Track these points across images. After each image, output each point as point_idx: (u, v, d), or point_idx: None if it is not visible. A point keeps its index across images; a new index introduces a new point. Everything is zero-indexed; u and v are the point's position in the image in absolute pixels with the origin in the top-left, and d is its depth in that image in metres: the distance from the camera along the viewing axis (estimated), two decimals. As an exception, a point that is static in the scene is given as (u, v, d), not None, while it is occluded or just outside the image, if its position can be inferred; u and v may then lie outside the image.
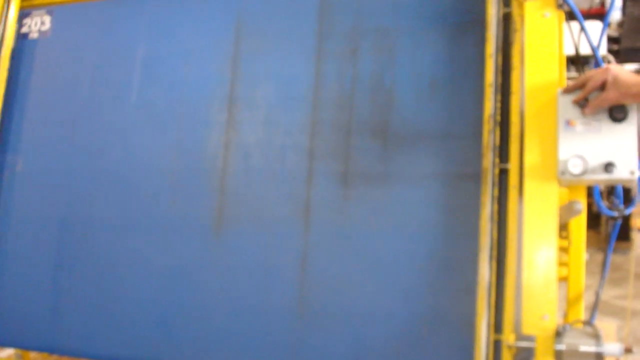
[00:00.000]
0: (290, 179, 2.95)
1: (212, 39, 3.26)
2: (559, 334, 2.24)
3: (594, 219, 2.93)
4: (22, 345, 3.63)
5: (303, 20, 3.09)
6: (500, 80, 2.62)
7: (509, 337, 2.33)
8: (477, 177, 2.59)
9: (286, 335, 2.83)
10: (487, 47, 2.63)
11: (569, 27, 2.65)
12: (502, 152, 2.55)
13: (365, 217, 2.80)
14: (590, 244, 3.20)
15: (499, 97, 2.60)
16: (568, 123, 2.38)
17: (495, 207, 2.50)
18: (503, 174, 2.54)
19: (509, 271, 2.44)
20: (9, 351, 4.42)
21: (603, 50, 3.00)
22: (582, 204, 2.55)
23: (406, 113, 2.81)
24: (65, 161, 3.43)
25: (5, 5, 3.58)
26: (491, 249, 2.46)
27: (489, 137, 2.54)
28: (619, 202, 2.73)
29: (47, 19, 3.68)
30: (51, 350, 3.41)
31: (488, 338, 2.41)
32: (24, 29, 3.70)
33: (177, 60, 3.31)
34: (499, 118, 2.57)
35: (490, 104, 2.57)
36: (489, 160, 2.53)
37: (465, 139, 2.68)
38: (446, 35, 2.82)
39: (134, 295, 3.15)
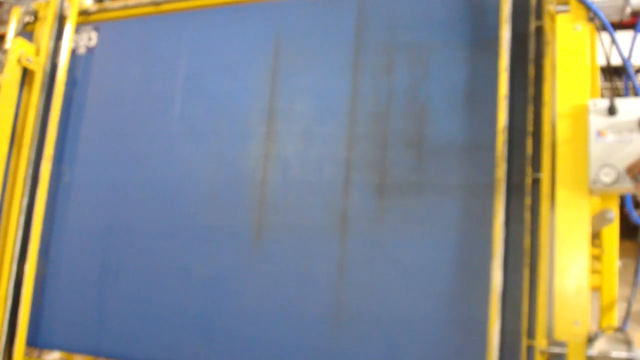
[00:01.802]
0: (328, 189, 3.02)
1: (252, 53, 3.34)
2: (590, 340, 2.26)
3: (631, 229, 2.92)
4: (67, 348, 3.72)
5: (340, 35, 3.17)
6: (532, 91, 2.66)
7: (541, 343, 2.36)
8: (509, 187, 2.62)
9: (323, 342, 2.89)
10: (500, 61, 2.68)
11: (601, 38, 2.67)
12: (535, 162, 2.59)
13: (400, 226, 2.85)
14: (627, 254, 3.21)
15: (531, 108, 2.64)
16: (599, 133, 2.41)
17: (528, 215, 2.54)
18: (535, 183, 2.58)
19: (541, 278, 2.47)
20: (55, 355, 4.54)
21: (635, 61, 3.00)
22: (614, 213, 2.56)
23: (440, 125, 2.87)
24: (111, 172, 3.55)
25: (56, 23, 3.70)
26: (523, 256, 2.51)
27: (503, 148, 2.60)
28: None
29: (94, 35, 3.82)
30: (96, 354, 3.50)
31: (519, 344, 2.45)
32: (72, 45, 3.81)
33: (218, 74, 3.40)
34: (531, 129, 2.61)
35: (503, 116, 2.62)
36: (502, 170, 2.58)
37: (494, 150, 2.71)
38: (478, 49, 2.88)
39: (175, 301, 3.24)
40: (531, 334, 2.46)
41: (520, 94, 2.68)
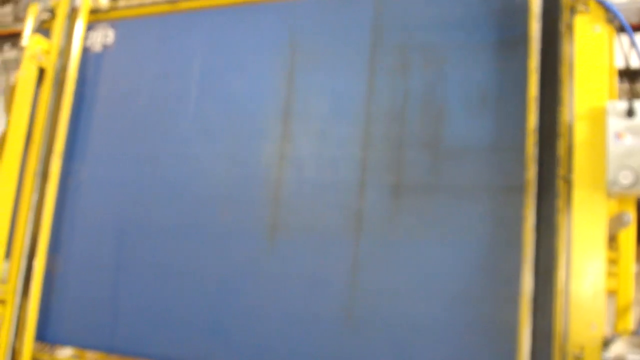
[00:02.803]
0: (343, 190, 3.01)
1: (268, 53, 3.35)
2: (606, 343, 2.24)
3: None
4: (80, 344, 3.74)
5: (356, 35, 3.16)
6: (560, 93, 2.63)
7: (574, 347, 2.32)
8: (524, 189, 2.61)
9: (336, 343, 2.89)
10: (530, 61, 2.66)
11: (619, 40, 2.66)
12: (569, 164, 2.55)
13: (415, 228, 2.84)
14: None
15: (561, 110, 2.60)
16: (617, 135, 2.39)
17: (556, 218, 2.50)
18: (563, 185, 2.55)
19: (558, 281, 2.45)
20: (68, 351, 4.56)
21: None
22: (632, 216, 2.54)
23: (456, 126, 2.86)
24: (125, 170, 3.56)
25: (67, 20, 3.72)
26: (550, 258, 2.49)
27: (533, 149, 2.57)
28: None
29: (111, 33, 3.83)
30: (108, 350, 3.51)
31: (549, 348, 2.43)
32: (88, 42, 3.84)
33: (233, 73, 3.41)
34: (560, 130, 2.58)
35: (533, 117, 2.60)
36: (532, 172, 2.56)
37: (513, 151, 2.71)
38: (495, 50, 2.86)
39: (188, 299, 3.25)
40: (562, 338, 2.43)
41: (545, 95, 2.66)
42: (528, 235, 2.52)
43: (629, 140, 2.38)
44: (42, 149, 3.57)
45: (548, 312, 2.47)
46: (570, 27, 2.67)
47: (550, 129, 2.61)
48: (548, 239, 2.53)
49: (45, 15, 3.71)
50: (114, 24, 3.84)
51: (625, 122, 2.40)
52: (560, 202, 2.53)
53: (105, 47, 3.81)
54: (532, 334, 2.46)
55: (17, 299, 3.41)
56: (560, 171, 2.55)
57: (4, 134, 3.54)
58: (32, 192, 3.52)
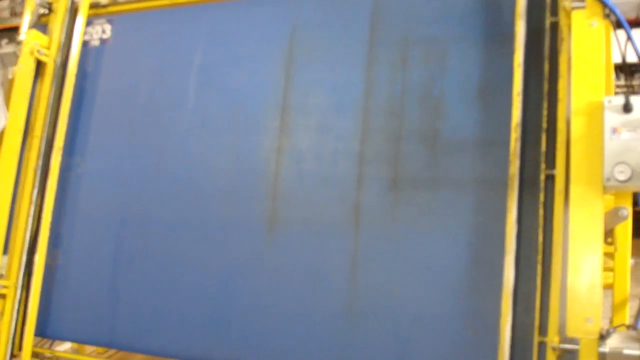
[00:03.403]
0: (341, 183, 3.02)
1: (267, 47, 3.35)
2: (603, 337, 2.25)
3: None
4: (80, 339, 3.77)
5: (355, 29, 3.16)
6: (547, 87, 2.65)
7: (553, 339, 2.36)
8: (522, 183, 2.62)
9: (335, 336, 2.90)
10: (515, 57, 2.68)
11: (616, 36, 2.66)
12: (549, 159, 2.59)
13: (414, 221, 2.86)
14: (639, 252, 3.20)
15: (545, 105, 2.64)
16: (614, 130, 2.40)
17: (541, 211, 2.54)
18: (549, 179, 2.58)
19: (554, 275, 2.48)
20: (67, 345, 4.58)
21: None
22: (628, 210, 2.56)
23: (454, 120, 2.87)
24: (124, 163, 3.57)
25: (68, 15, 3.72)
26: (536, 253, 2.51)
27: (516, 144, 2.60)
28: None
29: (108, 28, 3.83)
30: (108, 345, 3.53)
31: (531, 340, 2.46)
32: (86, 37, 3.83)
33: (233, 67, 3.41)
34: (545, 125, 2.61)
35: (517, 112, 2.62)
36: (515, 166, 2.59)
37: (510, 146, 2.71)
38: (494, 45, 2.87)
39: (188, 293, 3.26)
40: (543, 331, 2.46)
41: (535, 90, 2.67)
42: (510, 228, 2.54)
43: (625, 135, 2.38)
44: (42, 144, 3.57)
45: (530, 304, 2.50)
46: (554, 25, 2.69)
47: (535, 123, 2.64)
48: (531, 232, 2.56)
49: (43, 10, 3.71)
50: (110, 18, 3.84)
51: (622, 117, 2.40)
52: (542, 196, 2.55)
53: (103, 41, 3.81)
54: (513, 326, 2.49)
55: (18, 293, 3.41)
56: (542, 166, 2.57)
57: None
58: (33, 186, 3.52)
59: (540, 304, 2.49)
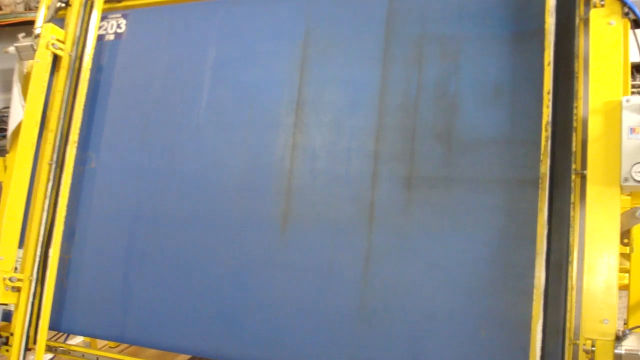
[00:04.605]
0: (355, 181, 3.01)
1: (282, 43, 3.34)
2: (618, 339, 2.24)
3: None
4: (92, 334, 3.79)
5: (370, 26, 3.15)
6: (575, 86, 2.63)
7: (585, 342, 2.31)
8: (537, 183, 2.60)
9: (347, 335, 2.89)
10: (545, 55, 2.65)
11: (635, 35, 2.64)
12: (583, 159, 2.55)
13: (428, 220, 2.84)
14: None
15: (575, 104, 2.60)
16: (632, 130, 2.38)
17: (572, 212, 2.49)
18: (576, 179, 2.54)
19: (570, 276, 2.45)
20: (79, 339, 4.61)
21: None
22: (645, 211, 2.53)
23: (470, 119, 2.85)
24: (138, 159, 3.58)
25: (82, 10, 3.74)
26: (566, 254, 2.48)
27: (547, 143, 2.56)
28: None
29: (123, 22, 3.84)
30: (119, 340, 3.54)
31: (562, 342, 2.43)
32: (100, 31, 3.85)
33: (247, 63, 3.40)
34: (576, 125, 2.58)
35: (548, 111, 2.59)
36: (546, 166, 2.55)
37: (527, 145, 2.70)
38: (510, 43, 2.85)
39: (200, 288, 3.26)
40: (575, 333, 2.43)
41: (561, 89, 2.64)
42: (541, 229, 2.51)
43: (643, 135, 2.37)
44: (57, 138, 3.59)
45: (561, 306, 2.47)
46: (585, 21, 2.65)
47: (564, 123, 2.60)
48: (561, 233, 2.52)
49: (60, 4, 3.72)
50: (125, 13, 3.86)
51: (640, 117, 2.39)
52: (573, 197, 2.52)
53: (118, 36, 3.82)
54: (543, 328, 2.45)
55: (32, 287, 3.43)
56: (574, 165, 2.54)
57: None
58: (48, 180, 3.54)
59: (570, 305, 2.46)
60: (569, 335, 2.42)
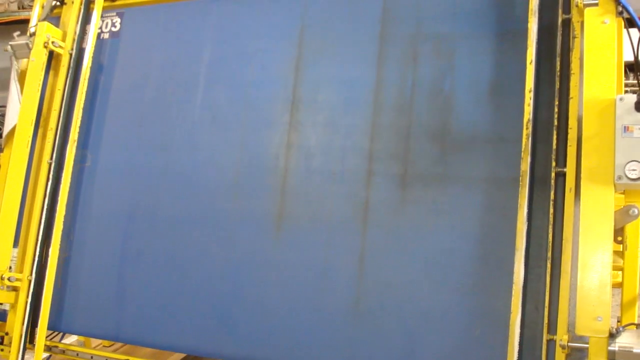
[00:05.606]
0: (350, 179, 3.02)
1: (277, 42, 3.35)
2: (612, 336, 2.25)
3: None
4: (86, 332, 3.77)
5: (365, 25, 3.15)
6: (558, 85, 2.64)
7: (562, 337, 2.36)
8: (532, 181, 2.62)
9: (342, 333, 2.90)
10: (528, 54, 2.67)
11: (629, 33, 2.65)
12: (559, 156, 2.58)
13: (422, 218, 2.85)
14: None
15: (556, 102, 2.63)
16: (626, 128, 2.39)
17: (551, 209, 2.53)
18: (559, 177, 2.57)
19: (564, 273, 2.47)
20: (73, 338, 4.60)
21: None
22: (638, 209, 2.55)
23: (464, 117, 2.86)
24: (133, 157, 3.57)
25: (82, 8, 3.73)
26: (546, 250, 2.51)
27: (527, 141, 2.59)
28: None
29: (118, 21, 3.84)
30: (114, 338, 3.53)
31: (540, 338, 2.46)
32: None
33: (242, 62, 3.41)
34: (556, 123, 2.60)
35: (529, 109, 2.61)
36: (527, 163, 2.58)
37: (520, 143, 2.69)
38: (504, 42, 2.86)
39: (195, 287, 3.26)
40: (552, 328, 2.46)
41: (547, 87, 2.67)
42: (520, 225, 2.53)
43: (637, 134, 2.37)
44: (56, 137, 3.59)
45: (540, 301, 2.51)
46: (566, 21, 2.68)
47: (546, 121, 2.64)
48: (541, 229, 2.56)
49: (55, 2, 3.72)
50: (120, 12, 3.85)
51: (634, 116, 2.39)
52: (552, 194, 2.55)
53: (113, 34, 3.82)
54: (522, 324, 2.49)
55: (31, 286, 3.43)
56: (553, 163, 2.57)
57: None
58: (47, 179, 3.54)
59: (550, 301, 2.49)
60: (545, 331, 2.46)
